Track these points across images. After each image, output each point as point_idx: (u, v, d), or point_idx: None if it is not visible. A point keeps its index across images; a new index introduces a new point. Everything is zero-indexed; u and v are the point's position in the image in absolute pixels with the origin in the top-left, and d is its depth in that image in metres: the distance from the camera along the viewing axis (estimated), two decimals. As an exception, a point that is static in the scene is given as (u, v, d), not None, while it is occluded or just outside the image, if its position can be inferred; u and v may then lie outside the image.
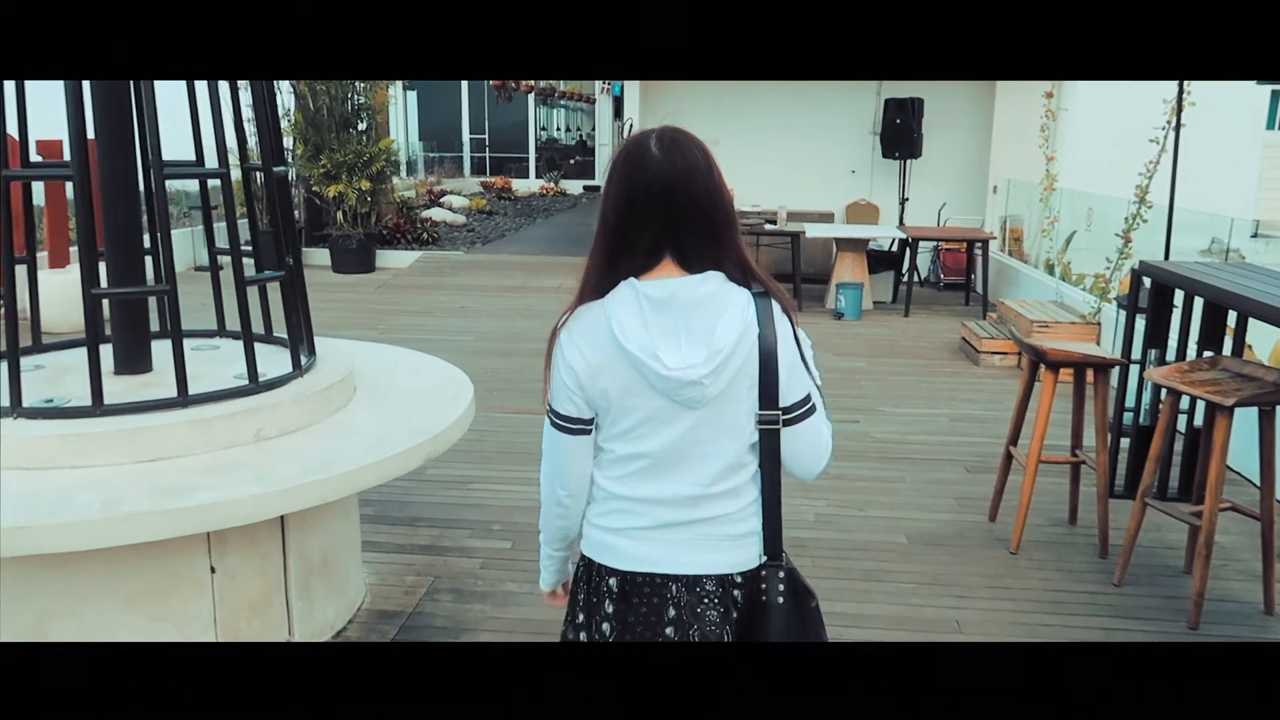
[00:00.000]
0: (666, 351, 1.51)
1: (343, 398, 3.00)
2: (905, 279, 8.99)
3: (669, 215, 1.54)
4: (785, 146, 10.60)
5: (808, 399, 1.62)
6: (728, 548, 1.62)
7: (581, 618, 1.68)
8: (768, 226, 9.02)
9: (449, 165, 23.15)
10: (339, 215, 10.68)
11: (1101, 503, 3.74)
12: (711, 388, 1.53)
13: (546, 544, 1.78)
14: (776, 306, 1.58)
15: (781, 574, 1.63)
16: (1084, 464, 3.89)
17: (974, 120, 10.31)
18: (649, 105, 10.62)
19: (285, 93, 10.85)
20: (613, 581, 1.63)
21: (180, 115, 3.11)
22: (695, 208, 1.54)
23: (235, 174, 3.32)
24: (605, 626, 1.64)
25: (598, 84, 21.82)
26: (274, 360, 3.01)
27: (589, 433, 1.62)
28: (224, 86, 2.99)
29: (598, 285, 1.59)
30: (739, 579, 1.62)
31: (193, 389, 2.75)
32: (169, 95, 3.01)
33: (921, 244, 9.51)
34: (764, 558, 1.64)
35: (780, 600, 1.61)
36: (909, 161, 10.24)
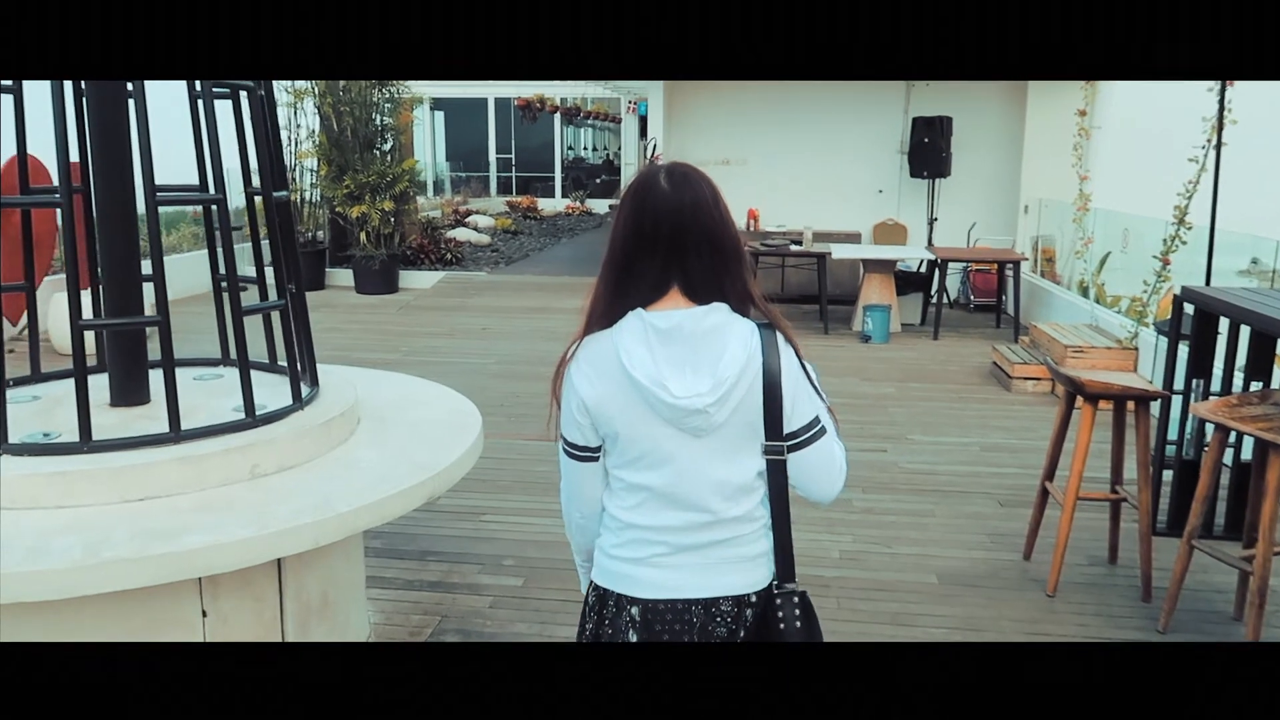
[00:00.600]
0: (673, 381, 1.55)
1: (344, 431, 2.88)
2: (934, 301, 8.79)
3: (677, 247, 1.58)
4: (811, 166, 10.45)
5: (816, 421, 1.64)
6: (743, 569, 1.65)
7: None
8: (793, 248, 8.86)
9: (475, 185, 23.22)
10: (362, 236, 10.65)
11: (1144, 543, 3.54)
12: (716, 416, 1.56)
13: (577, 554, 1.86)
14: (780, 337, 1.61)
15: (796, 599, 1.65)
16: (1125, 501, 3.69)
17: (1004, 138, 10.11)
18: (673, 125, 10.53)
19: (309, 114, 10.89)
20: (634, 611, 1.65)
21: (187, 137, 3.03)
22: (703, 240, 1.58)
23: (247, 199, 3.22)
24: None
25: (624, 103, 21.81)
26: (277, 391, 2.90)
27: (598, 459, 1.67)
28: (225, 106, 2.90)
29: (605, 315, 1.62)
30: (753, 598, 1.66)
31: (190, 422, 2.64)
32: (177, 117, 2.93)
33: (950, 265, 9.30)
34: (775, 580, 1.67)
35: (797, 625, 1.63)
36: (937, 181, 10.05)
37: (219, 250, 2.99)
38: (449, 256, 12.00)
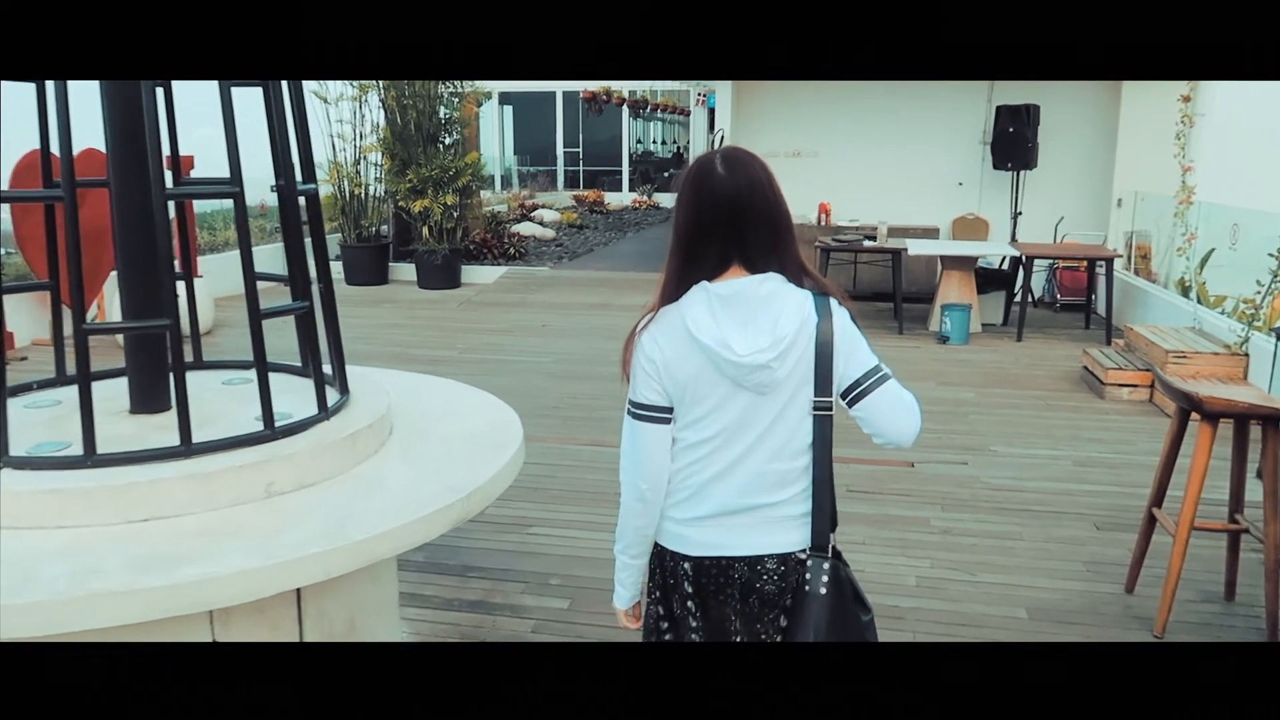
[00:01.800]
0: (736, 340, 1.66)
1: (372, 444, 2.64)
2: (1018, 300, 8.28)
3: (735, 226, 1.69)
4: (885, 158, 9.99)
5: (878, 369, 1.74)
6: (786, 528, 1.75)
7: (662, 604, 1.83)
8: (866, 243, 8.45)
9: (542, 179, 23.13)
10: (424, 230, 10.54)
11: (1271, 581, 3.11)
12: (779, 371, 1.67)
13: (624, 552, 1.88)
14: (833, 301, 1.73)
15: (826, 565, 1.73)
16: (1246, 531, 3.27)
17: (1096, 127, 9.51)
18: (742, 116, 10.17)
19: (374, 108, 10.82)
20: (687, 566, 1.78)
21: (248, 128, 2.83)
22: (758, 218, 1.70)
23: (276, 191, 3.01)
24: (691, 604, 1.79)
25: (693, 96, 21.43)
26: (306, 398, 2.68)
27: (668, 422, 1.75)
28: (252, 94, 2.69)
29: (675, 292, 1.74)
30: (801, 555, 1.75)
31: (208, 432, 2.44)
32: (211, 105, 2.74)
33: (1035, 262, 8.75)
34: (808, 547, 1.75)
35: (822, 591, 1.71)
36: (1023, 173, 9.51)
37: (262, 246, 2.77)
38: (512, 251, 11.84)
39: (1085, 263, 8.64)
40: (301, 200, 2.70)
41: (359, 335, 8.12)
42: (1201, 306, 7.05)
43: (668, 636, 1.84)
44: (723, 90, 10.29)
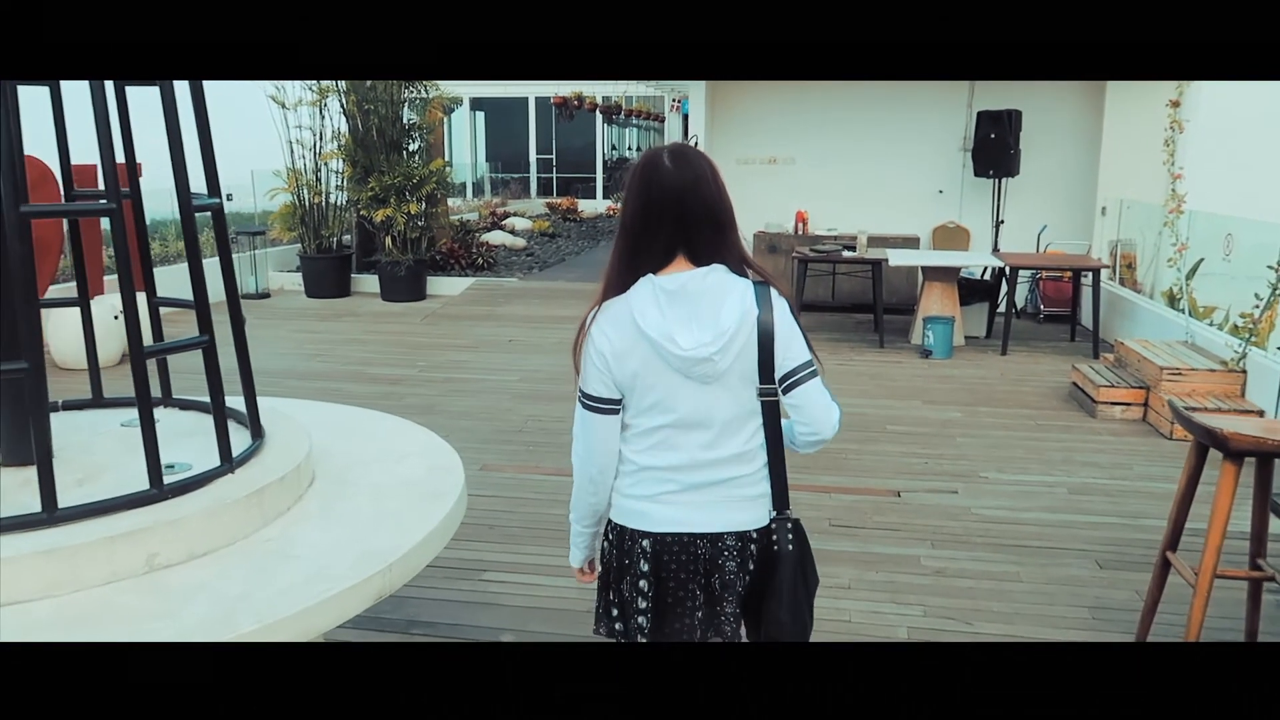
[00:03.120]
0: (681, 334, 1.73)
1: (284, 500, 2.28)
2: (1003, 311, 8.01)
3: (680, 218, 1.75)
4: (864, 165, 9.70)
5: (810, 363, 1.80)
6: (745, 507, 1.82)
7: (612, 589, 1.88)
8: (846, 253, 8.15)
9: (515, 186, 22.75)
10: (388, 241, 10.14)
11: (1302, 637, 2.80)
12: (720, 363, 1.74)
13: (577, 522, 1.95)
14: (774, 291, 1.79)
15: (789, 525, 1.83)
16: (1271, 580, 2.96)
17: (1079, 133, 9.27)
18: (716, 122, 9.86)
19: (336, 113, 10.41)
20: (645, 543, 1.82)
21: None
22: (703, 212, 1.76)
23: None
24: (643, 584, 1.83)
25: (667, 101, 21.14)
26: (214, 443, 2.31)
27: (617, 412, 1.81)
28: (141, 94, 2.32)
29: (620, 282, 1.79)
30: (755, 534, 1.83)
31: (90, 489, 2.07)
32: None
33: (1019, 272, 8.48)
34: (773, 513, 1.84)
35: (790, 549, 1.81)
36: (1004, 180, 9.25)
37: (171, 267, 2.39)
38: (480, 261, 11.45)
39: (1070, 273, 8.39)
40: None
41: (315, 352, 7.72)
42: (1193, 320, 6.80)
43: (617, 626, 1.89)
44: (696, 95, 9.96)
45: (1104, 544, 3.98)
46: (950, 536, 4.05)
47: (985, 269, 8.60)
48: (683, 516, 1.81)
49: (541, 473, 4.74)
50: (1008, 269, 7.87)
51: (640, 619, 1.83)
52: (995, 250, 9.15)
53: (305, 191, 10.38)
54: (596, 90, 19.32)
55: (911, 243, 9.42)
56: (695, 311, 1.74)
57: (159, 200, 10.56)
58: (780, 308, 1.79)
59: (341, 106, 10.21)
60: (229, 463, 2.25)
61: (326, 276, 10.42)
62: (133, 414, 2.79)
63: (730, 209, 1.81)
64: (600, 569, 1.95)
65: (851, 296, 9.40)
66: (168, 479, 2.16)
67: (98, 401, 2.82)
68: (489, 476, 4.72)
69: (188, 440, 2.52)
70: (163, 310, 2.76)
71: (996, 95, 9.18)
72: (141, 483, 2.09)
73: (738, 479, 1.82)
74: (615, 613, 1.89)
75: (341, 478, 2.52)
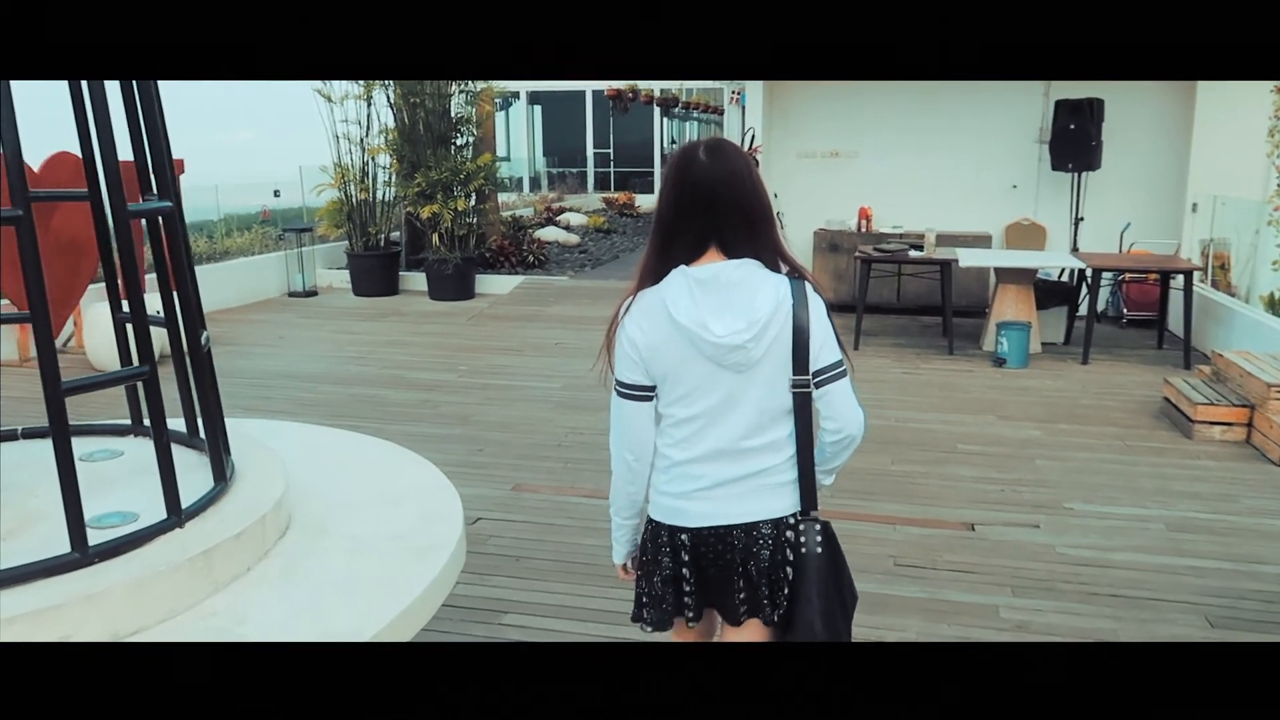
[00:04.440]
0: (714, 322, 1.75)
1: (243, 559, 1.93)
2: (1086, 317, 7.41)
3: (713, 211, 1.78)
4: (932, 158, 9.13)
5: (840, 363, 1.82)
6: (777, 495, 1.84)
7: (656, 577, 1.89)
8: (912, 253, 7.62)
9: (572, 181, 22.46)
10: (435, 238, 9.88)
11: None
12: (754, 351, 1.76)
13: (618, 514, 1.97)
14: (809, 287, 1.82)
15: (818, 526, 1.84)
16: None
17: (1168, 123, 8.58)
18: (775, 114, 9.37)
19: (383, 106, 10.18)
20: (684, 538, 1.85)
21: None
22: (735, 205, 1.78)
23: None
24: (686, 571, 1.86)
25: (726, 94, 20.63)
26: (192, 480, 1.98)
27: (650, 399, 1.84)
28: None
29: (654, 273, 1.82)
30: (791, 520, 1.84)
31: (17, 544, 1.75)
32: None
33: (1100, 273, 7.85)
34: (800, 508, 1.85)
35: (819, 550, 1.82)
36: (1084, 174, 8.61)
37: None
38: (531, 259, 11.14)
39: (1156, 275, 7.74)
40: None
41: (355, 355, 7.47)
42: (1302, 328, 6.14)
43: (645, 613, 1.91)
44: (755, 87, 9.49)
45: (1213, 595, 3.46)
46: (1033, 582, 3.57)
47: (1064, 270, 8.00)
48: (717, 510, 1.82)
49: (578, 494, 4.36)
50: (1091, 271, 7.25)
51: (688, 598, 1.86)
52: (1074, 250, 8.53)
53: (352, 187, 10.18)
54: (653, 83, 18.89)
55: (982, 241, 8.84)
56: (728, 300, 1.75)
57: (200, 196, 10.47)
58: (816, 303, 1.80)
59: (388, 100, 9.97)
60: (177, 515, 1.91)
61: (373, 274, 10.21)
62: (102, 444, 2.48)
63: (766, 204, 1.82)
64: (640, 556, 1.95)
65: (917, 298, 8.86)
66: (104, 533, 1.83)
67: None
68: (521, 499, 4.36)
69: (151, 479, 2.19)
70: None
71: (1076, 83, 8.54)
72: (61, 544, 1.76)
73: (769, 469, 1.82)
74: (646, 601, 1.91)
75: (319, 526, 2.17)
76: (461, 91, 10.12)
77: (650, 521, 1.91)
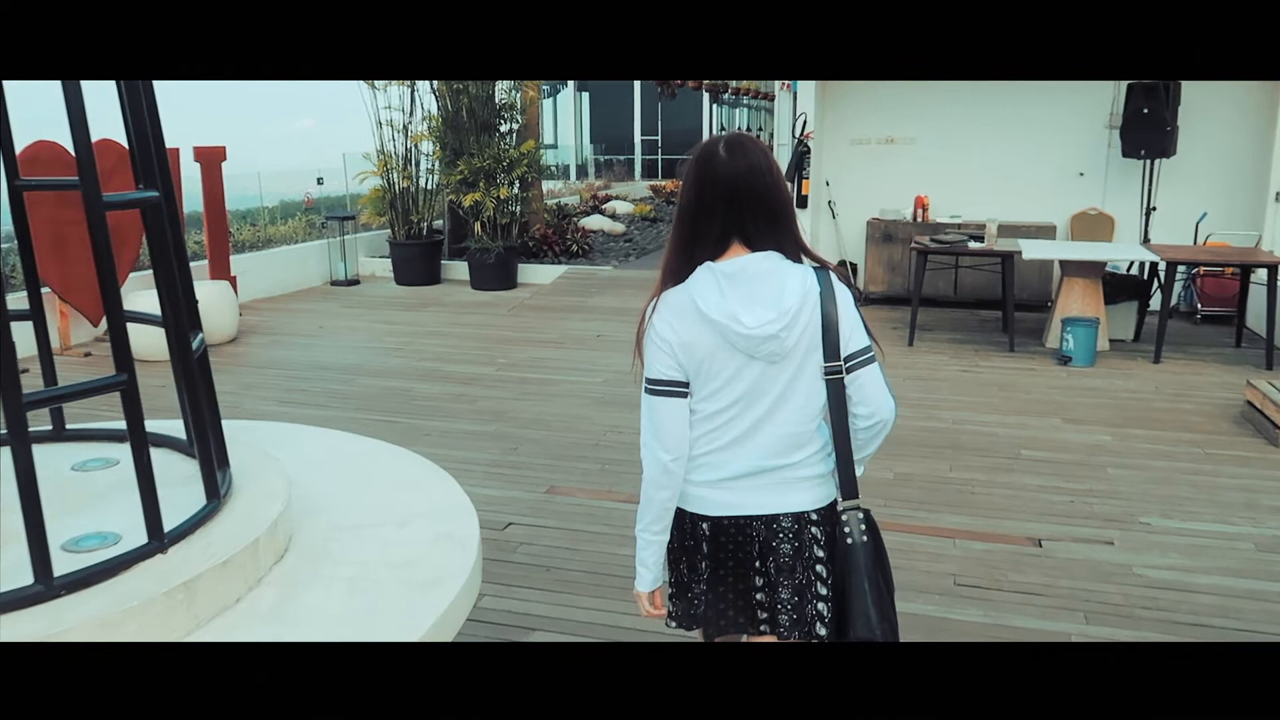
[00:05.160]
0: (744, 314, 1.73)
1: (232, 589, 1.73)
2: (1159, 313, 6.99)
3: (734, 206, 1.77)
4: (992, 144, 8.72)
5: (869, 349, 1.81)
6: (802, 488, 1.83)
7: (682, 563, 1.90)
8: (972, 244, 7.25)
9: (619, 168, 22.23)
10: (477, 227, 9.71)
11: None
12: (787, 340, 1.75)
13: (646, 530, 1.86)
14: (834, 277, 1.82)
15: (860, 514, 1.82)
16: None
17: (1250, 107, 8.08)
18: (828, 99, 9.03)
19: (426, 93, 10.03)
20: (704, 526, 1.84)
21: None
22: (756, 199, 1.78)
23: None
24: (703, 564, 1.85)
25: (777, 81, 20.20)
26: (192, 492, 1.80)
27: (685, 395, 1.79)
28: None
29: (678, 271, 1.81)
30: (814, 515, 1.83)
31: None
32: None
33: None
34: (839, 498, 1.85)
35: (865, 540, 1.80)
36: (1158, 161, 8.14)
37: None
38: (574, 248, 10.94)
39: (1234, 269, 7.28)
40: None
41: (394, 346, 7.33)
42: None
43: (668, 606, 1.92)
44: (807, 70, 9.16)
45: (1313, 627, 3.13)
46: (1108, 607, 3.26)
47: (1131, 262, 7.57)
48: (739, 500, 1.82)
49: (615, 499, 4.14)
50: (1166, 265, 6.82)
51: (698, 586, 1.86)
52: (1145, 241, 8.08)
53: (395, 175, 10.05)
54: (703, 68, 18.52)
55: (1046, 232, 8.42)
56: (756, 292, 1.75)
57: (248, 183, 10.43)
58: (842, 290, 1.81)
59: (431, 86, 9.81)
60: (159, 539, 1.71)
61: (416, 263, 10.08)
62: (98, 452, 2.31)
63: (787, 197, 1.83)
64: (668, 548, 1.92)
65: (975, 291, 8.48)
66: (80, 558, 1.65)
67: (58, 433, 2.34)
68: (554, 503, 4.15)
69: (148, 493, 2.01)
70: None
71: (1152, 64, 8.06)
72: (55, 559, 1.58)
73: (796, 463, 1.82)
74: (672, 591, 1.92)
75: (322, 549, 1.97)
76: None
77: (677, 513, 1.88)
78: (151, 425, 2.29)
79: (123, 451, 2.27)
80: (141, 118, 1.80)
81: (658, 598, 1.91)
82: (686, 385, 1.79)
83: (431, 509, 2.20)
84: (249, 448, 2.25)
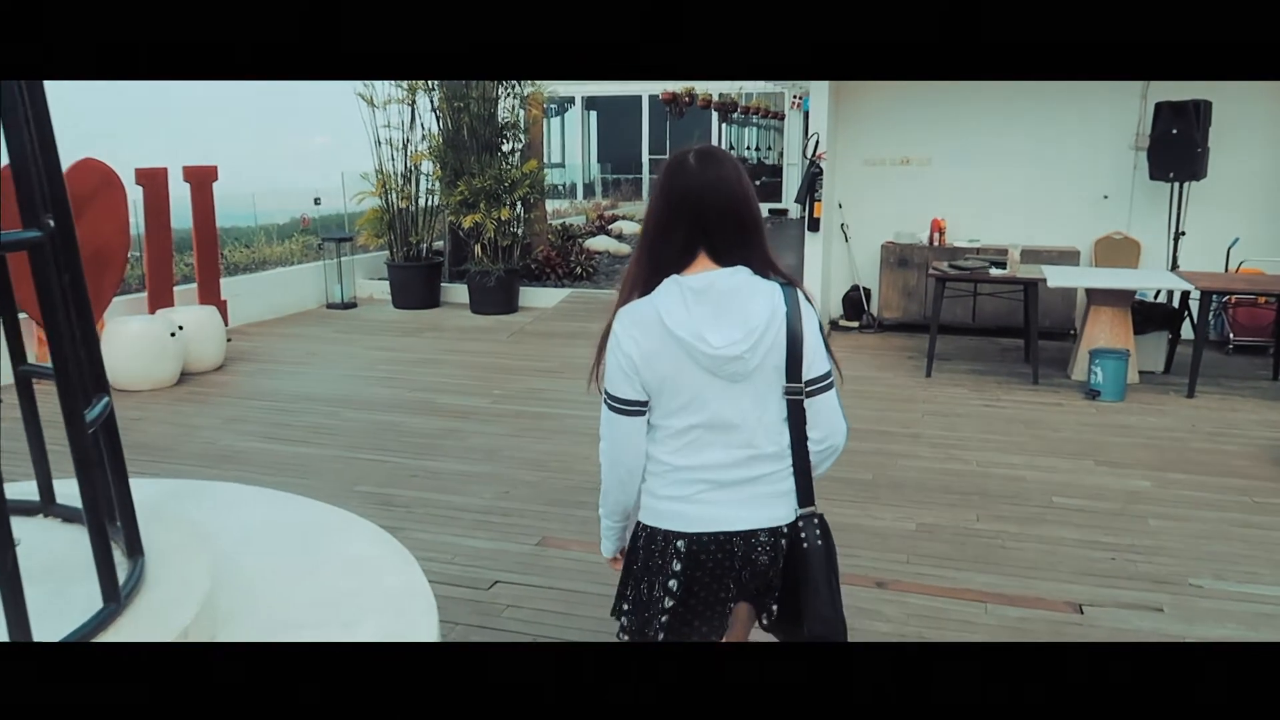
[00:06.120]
0: (711, 333, 1.74)
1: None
2: (1193, 344, 6.63)
3: (702, 217, 1.76)
4: (1012, 167, 8.39)
5: (829, 374, 1.85)
6: (775, 503, 1.84)
7: (644, 582, 1.85)
8: (993, 271, 6.90)
9: (626, 188, 21.96)
10: (477, 249, 9.41)
11: None
12: (751, 360, 1.76)
13: (608, 517, 1.95)
14: (801, 295, 1.82)
15: (816, 520, 1.85)
16: None
17: (1283, 129, 7.74)
18: (841, 118, 8.71)
19: (426, 111, 9.76)
20: (680, 544, 1.82)
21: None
22: (725, 211, 1.77)
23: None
24: (672, 583, 1.82)
25: (787, 98, 19.94)
26: (86, 584, 1.47)
27: (643, 414, 1.81)
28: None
29: (644, 282, 1.80)
30: (785, 530, 1.85)
31: None
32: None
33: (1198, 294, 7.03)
34: (799, 510, 1.85)
35: (819, 543, 1.84)
36: (1186, 184, 7.80)
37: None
38: (579, 270, 10.63)
39: (1270, 297, 6.91)
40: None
41: (385, 375, 7.00)
42: None
43: (627, 621, 1.90)
44: (819, 90, 8.84)
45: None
46: (1164, 690, 2.89)
47: (1160, 291, 7.21)
48: (718, 514, 1.81)
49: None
50: (1201, 294, 6.46)
51: (663, 618, 1.83)
52: (1173, 267, 7.72)
53: (393, 195, 9.77)
54: (710, 86, 18.29)
55: (1069, 257, 8.08)
56: (723, 310, 1.75)
57: (241, 204, 10.16)
58: (808, 312, 1.81)
59: (431, 104, 9.54)
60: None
61: (414, 286, 9.79)
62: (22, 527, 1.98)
63: (756, 211, 1.82)
64: (624, 567, 1.95)
65: (995, 318, 8.14)
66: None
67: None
68: (546, 558, 3.81)
69: (54, 580, 1.68)
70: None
71: (1179, 84, 7.74)
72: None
73: (769, 475, 1.83)
74: (628, 607, 1.90)
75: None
76: (509, 95, 9.64)
77: (643, 528, 1.87)
78: (65, 487, 1.96)
79: (29, 528, 1.94)
80: (20, 133, 1.47)
81: (619, 555, 2.00)
82: (645, 404, 1.80)
83: (385, 601, 1.86)
84: (173, 524, 1.91)
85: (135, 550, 1.72)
